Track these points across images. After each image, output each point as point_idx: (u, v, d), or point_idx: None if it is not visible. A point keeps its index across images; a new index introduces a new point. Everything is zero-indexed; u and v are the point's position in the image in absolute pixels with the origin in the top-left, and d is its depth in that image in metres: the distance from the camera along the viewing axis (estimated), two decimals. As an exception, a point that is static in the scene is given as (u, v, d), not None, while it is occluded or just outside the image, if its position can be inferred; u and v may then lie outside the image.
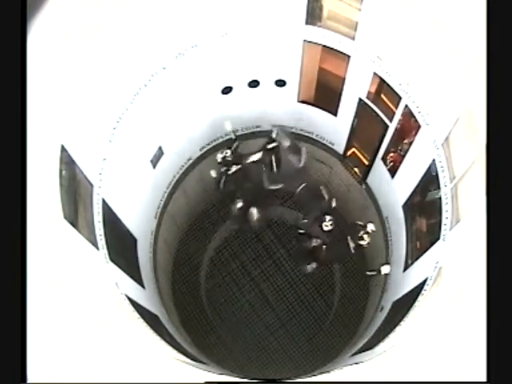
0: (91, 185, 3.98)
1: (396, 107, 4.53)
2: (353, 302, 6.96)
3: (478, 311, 2.80)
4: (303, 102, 5.55)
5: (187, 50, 4.47)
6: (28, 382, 2.71)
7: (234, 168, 5.33)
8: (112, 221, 4.36)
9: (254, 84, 5.31)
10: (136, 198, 5.08)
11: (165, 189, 5.84)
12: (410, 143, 4.58)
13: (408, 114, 4.39)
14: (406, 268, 5.08)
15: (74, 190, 3.69)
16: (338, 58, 4.66)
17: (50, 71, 3.30)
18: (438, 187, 4.18)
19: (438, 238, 4.16)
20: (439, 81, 3.81)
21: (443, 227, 4.09)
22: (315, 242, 5.34)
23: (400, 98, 4.38)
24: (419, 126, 4.30)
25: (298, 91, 5.41)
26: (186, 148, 5.74)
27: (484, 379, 2.64)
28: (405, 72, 4.20)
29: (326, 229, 5.14)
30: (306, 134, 6.00)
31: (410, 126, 4.48)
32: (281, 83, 5.33)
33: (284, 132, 5.47)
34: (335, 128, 5.64)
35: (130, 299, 4.11)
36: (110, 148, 4.17)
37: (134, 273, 4.86)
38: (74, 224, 3.56)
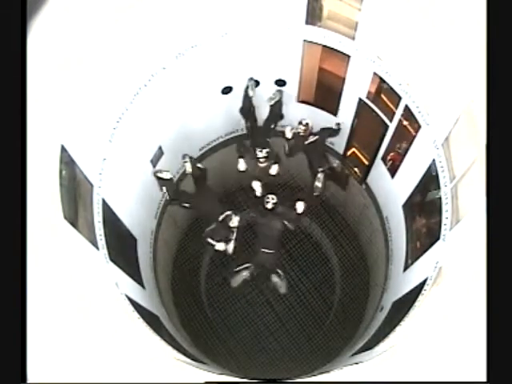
0: (91, 185, 3.98)
1: (396, 107, 4.53)
2: (353, 301, 6.96)
3: (478, 311, 2.80)
4: (303, 101, 5.55)
5: (187, 50, 4.47)
6: (28, 382, 2.70)
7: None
8: (112, 221, 4.36)
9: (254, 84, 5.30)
10: (136, 198, 5.08)
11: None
12: (410, 143, 4.58)
13: (408, 114, 4.39)
14: (406, 268, 5.07)
15: (74, 190, 3.69)
16: (338, 58, 4.66)
17: (49, 71, 3.30)
18: (438, 187, 4.18)
19: (438, 238, 4.16)
20: (439, 81, 3.81)
21: (443, 227, 4.09)
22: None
23: (400, 98, 4.38)
24: (419, 126, 4.30)
25: (298, 91, 5.42)
26: (186, 148, 5.74)
27: (484, 379, 2.64)
28: (405, 72, 4.20)
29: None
30: (306, 134, 6.00)
31: (409, 126, 4.48)
32: (281, 83, 5.33)
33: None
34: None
35: (130, 299, 4.11)
36: (110, 148, 4.17)
37: (134, 273, 4.86)
38: (74, 224, 3.56)
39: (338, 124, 5.43)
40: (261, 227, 5.51)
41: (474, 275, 3.01)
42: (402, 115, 4.51)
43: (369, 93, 4.79)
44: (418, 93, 4.18)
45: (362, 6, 4.00)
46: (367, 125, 5.22)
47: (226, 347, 6.91)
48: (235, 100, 5.41)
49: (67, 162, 3.58)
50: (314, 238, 7.31)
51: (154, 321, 4.70)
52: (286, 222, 5.37)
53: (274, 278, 5.69)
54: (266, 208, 5.33)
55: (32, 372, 2.73)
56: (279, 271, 5.65)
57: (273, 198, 5.32)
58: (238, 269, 5.69)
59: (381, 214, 5.90)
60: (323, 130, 5.52)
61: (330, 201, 7.17)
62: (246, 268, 5.64)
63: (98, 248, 3.95)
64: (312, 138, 5.50)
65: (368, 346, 4.65)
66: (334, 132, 5.53)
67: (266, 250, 5.43)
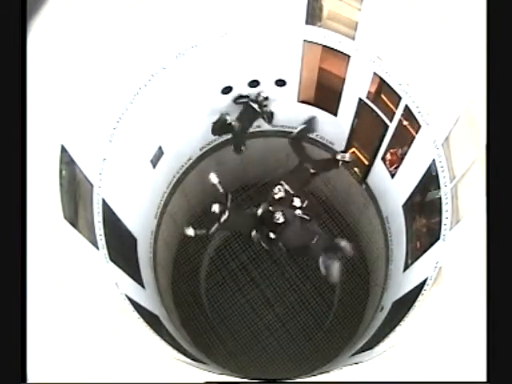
0: (91, 185, 3.98)
1: (396, 107, 4.53)
2: (353, 301, 6.96)
3: (478, 311, 2.80)
4: (303, 101, 5.55)
5: (187, 50, 4.47)
6: (28, 382, 2.71)
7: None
8: (112, 221, 4.36)
9: (253, 84, 5.30)
10: (136, 198, 5.08)
11: (165, 189, 5.84)
12: (410, 143, 4.58)
13: (408, 114, 4.39)
14: (406, 268, 5.08)
15: (74, 190, 3.69)
16: (338, 57, 4.66)
17: (50, 71, 3.30)
18: (438, 187, 4.18)
19: (438, 238, 4.16)
20: (439, 81, 3.81)
21: (443, 227, 4.09)
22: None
23: (400, 98, 4.38)
24: (419, 126, 4.30)
25: (297, 91, 5.41)
26: (185, 148, 5.74)
27: (484, 379, 2.64)
28: (405, 72, 4.20)
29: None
30: (306, 134, 6.00)
31: (409, 126, 4.48)
32: (281, 83, 5.32)
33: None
34: (335, 128, 5.64)
35: (130, 299, 4.11)
36: (110, 148, 4.17)
37: (134, 273, 4.86)
38: (73, 224, 3.56)
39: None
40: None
41: (473, 275, 3.01)
42: (402, 115, 4.51)
43: (369, 93, 4.79)
44: (418, 93, 4.18)
45: (361, 6, 4.00)
46: (367, 125, 5.22)
47: (225, 347, 6.91)
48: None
49: (67, 161, 3.58)
50: (314, 238, 7.30)
51: (154, 321, 4.70)
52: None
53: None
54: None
55: (32, 372, 2.73)
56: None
57: (278, 213, 5.11)
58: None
59: (381, 214, 5.90)
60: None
61: (330, 201, 7.17)
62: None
63: (98, 248, 3.95)
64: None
65: (368, 346, 4.65)
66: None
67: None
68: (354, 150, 5.80)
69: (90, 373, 2.95)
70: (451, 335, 3.05)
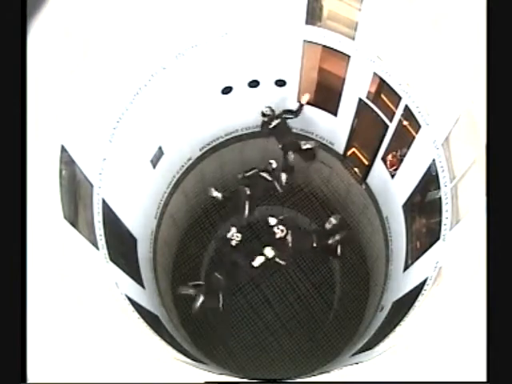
0: (91, 185, 3.98)
1: (396, 107, 4.53)
2: (353, 302, 6.96)
3: (478, 311, 2.80)
4: (303, 101, 5.55)
5: (187, 50, 4.47)
6: (28, 382, 2.70)
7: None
8: (112, 221, 4.36)
9: (253, 84, 5.31)
10: (136, 198, 5.08)
11: (165, 189, 5.84)
12: (410, 143, 4.58)
13: (408, 114, 4.39)
14: (406, 268, 5.08)
15: (74, 190, 3.69)
16: (338, 57, 4.67)
17: (49, 71, 3.30)
18: (438, 187, 4.18)
19: (438, 238, 4.16)
20: (439, 81, 3.81)
21: (443, 227, 4.09)
22: None
23: (400, 98, 4.38)
24: (419, 126, 4.30)
25: (298, 91, 5.42)
26: (185, 148, 5.74)
27: (484, 379, 2.64)
28: (405, 72, 4.21)
29: None
30: (306, 134, 6.00)
31: (409, 126, 4.48)
32: (281, 83, 5.33)
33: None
34: (335, 128, 5.64)
35: (130, 299, 4.11)
36: (110, 148, 4.17)
37: (134, 273, 4.86)
38: (74, 224, 3.57)
39: (301, 105, 5.44)
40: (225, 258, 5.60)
41: (473, 275, 3.01)
42: (402, 115, 4.51)
43: (369, 93, 4.79)
44: (418, 93, 4.19)
45: (361, 6, 4.00)
46: (367, 125, 5.22)
47: (226, 347, 6.91)
48: (235, 100, 5.41)
49: (67, 161, 3.58)
50: (314, 238, 7.30)
51: (154, 321, 4.71)
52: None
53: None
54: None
55: (32, 372, 2.73)
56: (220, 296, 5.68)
57: (237, 236, 5.41)
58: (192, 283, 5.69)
59: (381, 214, 5.90)
60: (284, 111, 5.55)
61: (330, 201, 7.17)
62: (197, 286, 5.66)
63: (98, 248, 3.95)
64: (275, 122, 5.51)
65: (368, 346, 4.65)
66: (293, 113, 5.52)
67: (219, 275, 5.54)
68: (353, 149, 5.81)
69: (89, 373, 2.95)
70: (451, 335, 3.05)
